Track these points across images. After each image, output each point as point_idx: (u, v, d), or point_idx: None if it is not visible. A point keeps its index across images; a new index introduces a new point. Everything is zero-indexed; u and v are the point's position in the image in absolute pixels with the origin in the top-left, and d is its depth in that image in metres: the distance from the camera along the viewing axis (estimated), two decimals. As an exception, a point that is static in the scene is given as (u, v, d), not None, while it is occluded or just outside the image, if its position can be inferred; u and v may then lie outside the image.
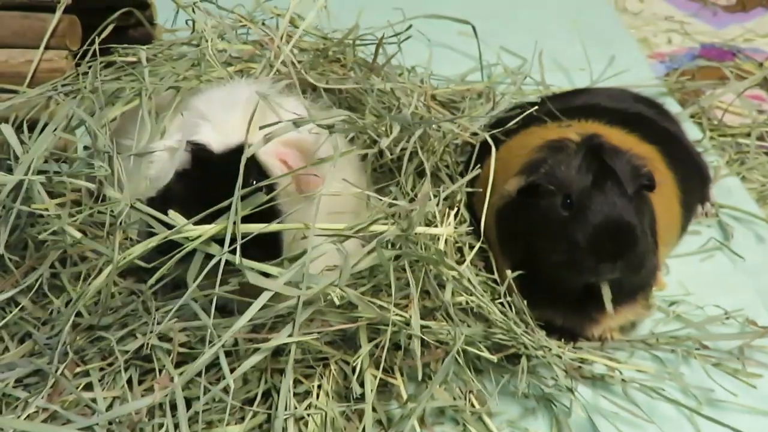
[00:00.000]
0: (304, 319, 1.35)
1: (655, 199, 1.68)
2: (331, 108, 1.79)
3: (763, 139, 2.42)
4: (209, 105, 1.53)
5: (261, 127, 1.39)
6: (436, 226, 1.53)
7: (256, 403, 1.39)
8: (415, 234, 1.42)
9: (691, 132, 2.34)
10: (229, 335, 1.30)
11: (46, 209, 1.45)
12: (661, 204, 1.73)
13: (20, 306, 1.51)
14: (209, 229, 1.32)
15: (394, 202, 1.45)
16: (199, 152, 1.43)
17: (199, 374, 1.36)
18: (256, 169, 1.42)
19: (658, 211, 1.70)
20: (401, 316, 1.40)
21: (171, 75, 1.74)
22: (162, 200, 1.41)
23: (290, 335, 1.32)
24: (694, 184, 2.01)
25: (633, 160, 1.59)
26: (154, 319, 1.42)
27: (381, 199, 1.52)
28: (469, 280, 1.52)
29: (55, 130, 1.56)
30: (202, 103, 1.55)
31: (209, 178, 1.41)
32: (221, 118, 1.48)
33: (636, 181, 1.57)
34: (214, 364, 1.38)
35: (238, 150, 1.39)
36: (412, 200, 1.63)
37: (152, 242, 1.34)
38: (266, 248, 1.38)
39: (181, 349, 1.40)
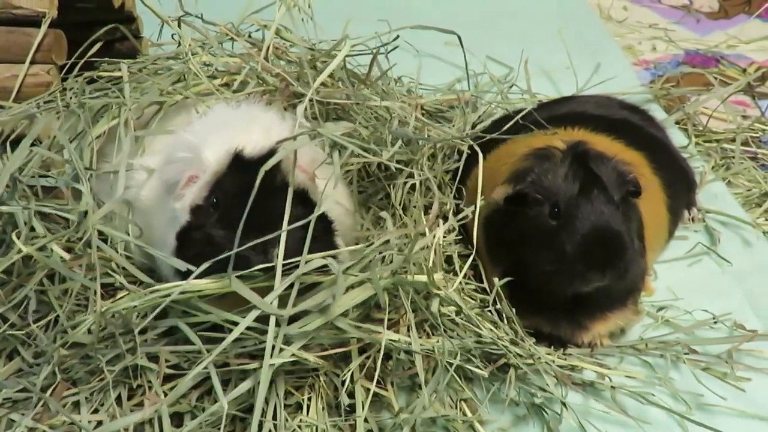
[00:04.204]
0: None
1: (642, 205, 1.69)
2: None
3: (748, 144, 2.44)
4: (194, 135, 1.51)
5: (278, 142, 1.38)
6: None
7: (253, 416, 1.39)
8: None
9: (677, 138, 2.35)
10: (218, 351, 1.30)
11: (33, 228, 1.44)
12: (648, 209, 1.74)
13: (9, 322, 1.50)
14: (209, 285, 1.32)
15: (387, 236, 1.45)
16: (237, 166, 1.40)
17: (191, 390, 1.36)
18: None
19: (646, 216, 1.71)
20: (396, 335, 1.40)
21: (154, 90, 1.73)
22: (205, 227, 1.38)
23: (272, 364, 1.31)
24: (681, 189, 2.03)
25: (619, 167, 1.60)
26: (145, 341, 1.41)
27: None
28: (457, 304, 1.53)
29: (33, 145, 1.56)
30: (186, 136, 1.53)
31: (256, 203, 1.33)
32: (217, 143, 1.45)
33: (622, 188, 1.58)
34: (205, 378, 1.38)
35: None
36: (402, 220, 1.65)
37: (154, 299, 1.34)
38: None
39: (173, 371, 1.39)
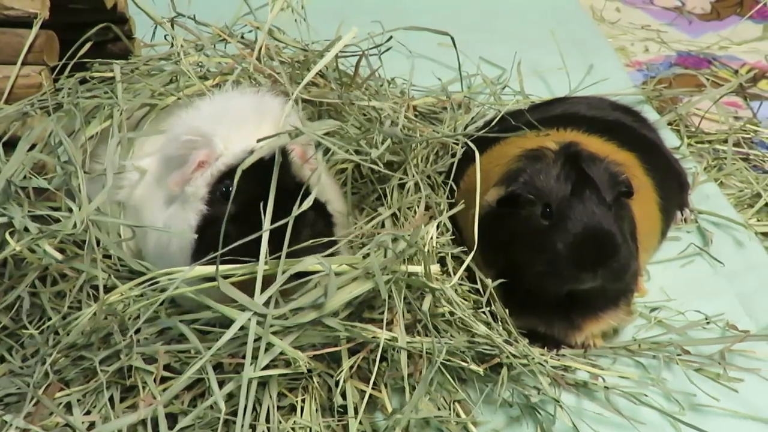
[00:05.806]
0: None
1: (634, 206, 1.70)
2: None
3: (740, 145, 2.45)
4: (203, 119, 1.50)
5: (259, 140, 1.39)
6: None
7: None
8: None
9: (669, 139, 2.36)
10: (213, 351, 1.30)
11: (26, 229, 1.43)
12: (641, 210, 1.75)
13: (1, 325, 1.50)
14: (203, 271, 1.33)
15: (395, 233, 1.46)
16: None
17: (183, 392, 1.36)
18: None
19: (638, 217, 1.71)
20: (388, 333, 1.41)
21: (146, 91, 1.72)
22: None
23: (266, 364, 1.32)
24: (673, 190, 2.04)
25: (611, 167, 1.61)
26: (137, 341, 1.41)
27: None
28: (450, 300, 1.53)
29: (31, 149, 1.55)
30: (194, 119, 1.52)
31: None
32: (228, 131, 1.46)
33: (614, 189, 1.59)
34: (198, 380, 1.38)
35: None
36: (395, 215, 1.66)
37: (158, 300, 1.34)
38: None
39: (165, 373, 1.38)
